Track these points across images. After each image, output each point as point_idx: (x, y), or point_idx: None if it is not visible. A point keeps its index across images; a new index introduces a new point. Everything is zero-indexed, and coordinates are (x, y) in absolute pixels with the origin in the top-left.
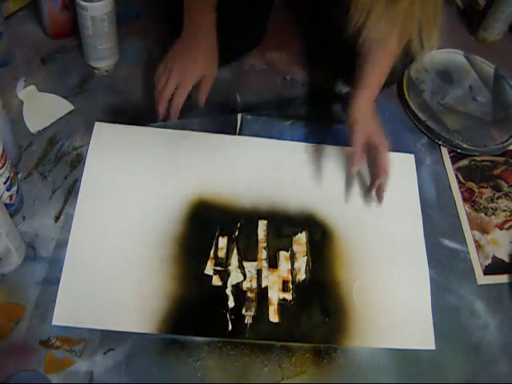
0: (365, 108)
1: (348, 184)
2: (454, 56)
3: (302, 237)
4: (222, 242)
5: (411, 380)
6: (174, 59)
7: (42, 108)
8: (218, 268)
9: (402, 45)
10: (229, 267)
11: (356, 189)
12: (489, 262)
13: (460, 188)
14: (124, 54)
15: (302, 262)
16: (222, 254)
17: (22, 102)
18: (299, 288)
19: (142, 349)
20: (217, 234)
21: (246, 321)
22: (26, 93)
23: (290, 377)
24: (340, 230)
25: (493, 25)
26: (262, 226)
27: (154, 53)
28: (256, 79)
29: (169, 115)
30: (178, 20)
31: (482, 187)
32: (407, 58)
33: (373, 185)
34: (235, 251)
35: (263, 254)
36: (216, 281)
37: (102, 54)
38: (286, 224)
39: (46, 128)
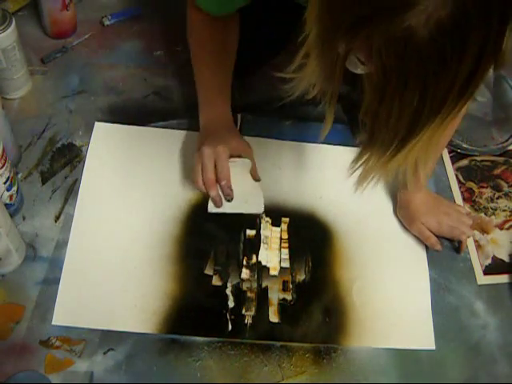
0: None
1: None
2: None
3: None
4: (222, 242)
5: (411, 380)
6: (202, 144)
7: None
8: (218, 268)
9: None
10: (229, 267)
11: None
12: (489, 261)
13: (460, 188)
14: (124, 53)
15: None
16: (221, 253)
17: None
18: (299, 288)
19: (142, 349)
20: (217, 234)
21: (245, 321)
22: None
23: (290, 377)
24: (340, 230)
25: None
26: (262, 225)
27: (155, 52)
28: (256, 79)
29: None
30: None
31: (482, 187)
32: None
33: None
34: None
35: (263, 253)
36: (216, 281)
37: (18, 82)
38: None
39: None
